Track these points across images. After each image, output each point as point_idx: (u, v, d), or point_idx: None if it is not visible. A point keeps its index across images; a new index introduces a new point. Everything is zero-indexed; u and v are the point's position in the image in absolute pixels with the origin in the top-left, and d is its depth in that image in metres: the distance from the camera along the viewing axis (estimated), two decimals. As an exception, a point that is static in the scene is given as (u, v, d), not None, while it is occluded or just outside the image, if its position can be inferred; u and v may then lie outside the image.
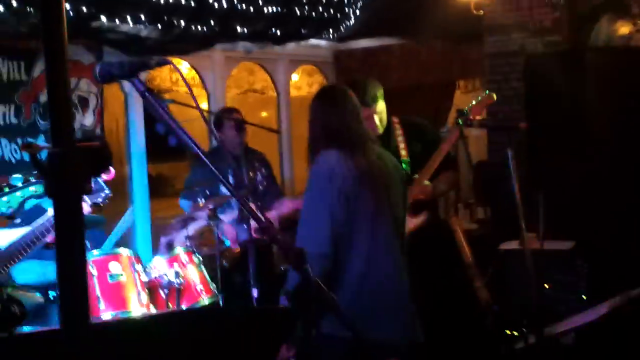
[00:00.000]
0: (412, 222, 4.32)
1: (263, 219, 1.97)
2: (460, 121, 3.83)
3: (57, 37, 1.29)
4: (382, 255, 3.14)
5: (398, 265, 3.20)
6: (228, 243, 5.10)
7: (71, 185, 1.32)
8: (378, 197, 3.17)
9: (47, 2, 1.28)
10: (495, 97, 4.12)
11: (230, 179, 5.03)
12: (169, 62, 2.15)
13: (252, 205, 2.12)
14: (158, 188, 9.53)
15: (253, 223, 4.45)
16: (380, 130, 4.29)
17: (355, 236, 3.08)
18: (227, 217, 5.16)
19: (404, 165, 4.36)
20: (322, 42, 8.06)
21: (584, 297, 4.43)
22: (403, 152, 4.36)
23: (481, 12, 6.59)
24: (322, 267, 3.00)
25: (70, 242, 1.34)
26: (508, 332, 3.91)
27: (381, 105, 4.27)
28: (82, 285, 1.31)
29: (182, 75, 2.37)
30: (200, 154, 1.93)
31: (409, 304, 3.23)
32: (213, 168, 1.97)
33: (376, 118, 4.26)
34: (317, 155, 3.20)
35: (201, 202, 4.85)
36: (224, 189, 5.22)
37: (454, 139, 4.23)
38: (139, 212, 6.12)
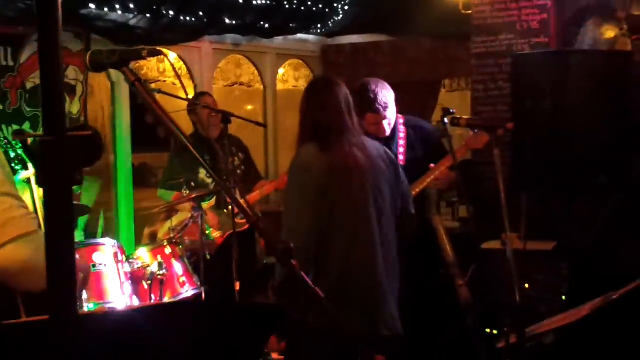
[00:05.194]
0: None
1: (250, 211, 1.97)
2: (445, 120, 3.84)
3: (51, 26, 1.29)
4: (363, 249, 3.13)
5: (378, 258, 3.19)
6: (213, 234, 5.09)
7: (62, 174, 1.32)
8: (358, 189, 3.16)
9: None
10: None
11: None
12: (161, 53, 2.14)
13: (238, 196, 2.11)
14: (141, 178, 9.48)
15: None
16: (388, 132, 4.28)
17: (335, 229, 3.08)
18: (208, 204, 5.14)
19: None
20: (310, 37, 8.07)
21: (564, 297, 4.47)
22: (401, 157, 4.35)
23: (469, 11, 6.60)
24: (302, 260, 3.01)
25: (60, 232, 1.34)
26: (489, 331, 3.94)
27: (391, 112, 4.25)
28: (71, 276, 1.32)
29: (173, 67, 2.37)
30: (189, 146, 1.93)
31: (390, 298, 3.23)
32: (202, 162, 1.97)
33: (385, 124, 4.24)
34: (298, 150, 3.21)
35: (185, 193, 4.85)
36: (201, 177, 5.22)
37: (447, 161, 4.23)
38: (122, 202, 6.09)
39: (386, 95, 4.19)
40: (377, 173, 3.27)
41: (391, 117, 4.25)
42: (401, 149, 4.37)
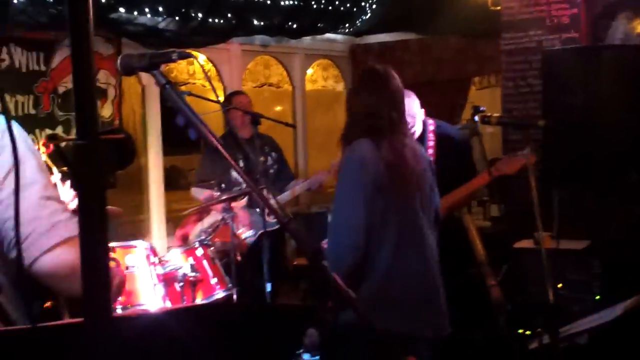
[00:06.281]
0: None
1: (281, 213, 1.97)
2: (476, 118, 3.81)
3: (83, 31, 1.30)
4: (412, 248, 3.10)
5: (428, 257, 3.17)
6: (245, 233, 5.10)
7: (96, 178, 1.33)
8: (409, 188, 3.12)
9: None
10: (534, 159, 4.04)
11: (241, 165, 4.99)
12: (191, 56, 2.15)
13: (269, 197, 2.11)
14: (171, 180, 9.56)
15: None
16: None
17: (385, 227, 3.05)
18: (239, 204, 5.16)
19: None
20: (338, 37, 8.07)
21: (597, 297, 4.42)
22: None
23: (498, 8, 6.56)
24: (354, 257, 2.99)
25: (94, 236, 1.36)
26: (521, 331, 3.91)
27: (416, 124, 4.19)
28: (106, 279, 1.33)
29: (203, 69, 2.37)
30: (221, 148, 1.94)
31: (437, 298, 3.21)
32: (233, 162, 1.98)
33: None
34: (350, 144, 3.13)
35: (217, 194, 4.87)
36: (234, 176, 5.24)
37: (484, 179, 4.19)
38: (154, 204, 6.14)
39: (412, 108, 4.16)
40: (422, 172, 3.24)
41: (416, 129, 4.23)
42: (430, 158, 4.32)
